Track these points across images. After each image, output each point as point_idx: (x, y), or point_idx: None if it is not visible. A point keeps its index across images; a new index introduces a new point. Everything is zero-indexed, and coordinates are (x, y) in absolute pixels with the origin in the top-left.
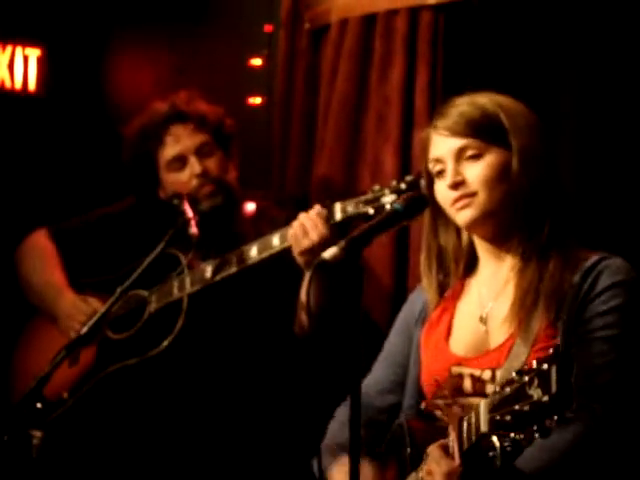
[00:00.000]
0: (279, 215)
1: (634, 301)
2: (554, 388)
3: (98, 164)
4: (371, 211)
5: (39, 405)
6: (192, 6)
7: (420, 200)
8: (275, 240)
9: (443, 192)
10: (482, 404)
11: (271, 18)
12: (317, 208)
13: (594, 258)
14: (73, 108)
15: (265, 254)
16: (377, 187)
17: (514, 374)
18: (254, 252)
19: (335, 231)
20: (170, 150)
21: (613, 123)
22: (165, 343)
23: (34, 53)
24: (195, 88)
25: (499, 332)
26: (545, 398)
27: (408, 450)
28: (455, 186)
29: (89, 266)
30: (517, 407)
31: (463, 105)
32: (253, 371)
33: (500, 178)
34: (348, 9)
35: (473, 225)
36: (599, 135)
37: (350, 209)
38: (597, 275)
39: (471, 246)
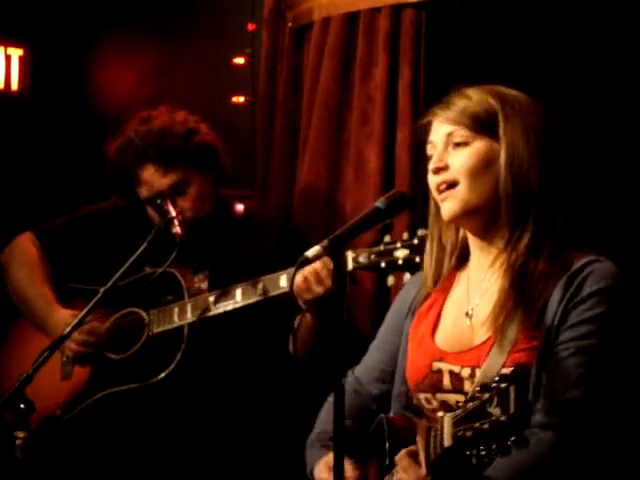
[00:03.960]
0: (270, 225)
1: (617, 308)
2: (512, 408)
3: (81, 164)
4: (383, 264)
5: (22, 406)
6: (175, 5)
7: (402, 199)
8: (283, 281)
9: (429, 177)
10: (446, 418)
11: (254, 17)
12: (325, 261)
13: (581, 261)
14: (56, 108)
15: (273, 294)
16: (387, 238)
17: (477, 388)
18: (259, 290)
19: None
20: (144, 192)
21: (597, 126)
22: (163, 374)
23: (17, 52)
24: (173, 101)
25: (481, 330)
26: (503, 418)
27: (387, 445)
28: (437, 171)
29: (76, 268)
30: (477, 425)
31: (471, 98)
32: (250, 397)
33: (483, 168)
34: (331, 7)
35: (456, 219)
36: (582, 136)
37: (362, 260)
38: (582, 280)
39: (466, 239)
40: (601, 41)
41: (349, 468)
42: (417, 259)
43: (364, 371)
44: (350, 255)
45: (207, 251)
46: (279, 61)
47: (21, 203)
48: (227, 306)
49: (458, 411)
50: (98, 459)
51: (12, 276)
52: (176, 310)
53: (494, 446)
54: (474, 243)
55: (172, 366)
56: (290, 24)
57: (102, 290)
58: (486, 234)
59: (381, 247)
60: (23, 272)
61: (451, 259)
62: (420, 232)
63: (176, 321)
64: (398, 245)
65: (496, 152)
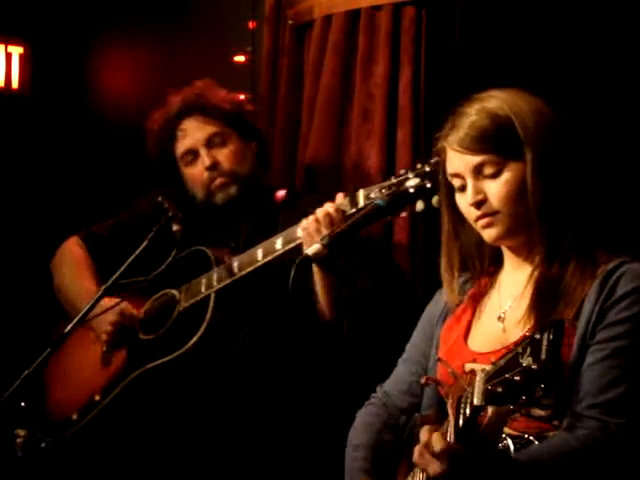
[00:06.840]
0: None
1: None
2: (544, 355)
3: (81, 162)
4: (396, 200)
5: (23, 404)
6: (175, 3)
7: (402, 196)
8: (299, 232)
9: (465, 207)
10: (478, 377)
11: (254, 15)
12: (339, 200)
13: (615, 262)
14: (57, 106)
15: (291, 246)
16: (402, 170)
17: (511, 346)
18: (279, 245)
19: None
20: (180, 145)
21: (604, 123)
22: (192, 342)
23: (17, 50)
24: (209, 78)
25: (516, 330)
26: (534, 366)
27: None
28: (477, 205)
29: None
30: (508, 376)
31: (473, 114)
32: (279, 366)
33: (521, 193)
34: (332, 5)
35: (499, 241)
36: (590, 134)
37: (374, 195)
38: (617, 280)
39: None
40: (603, 36)
41: None
42: (428, 185)
43: (392, 385)
44: (362, 192)
45: (243, 231)
46: (279, 59)
47: (20, 201)
48: (251, 266)
49: (491, 368)
50: (136, 441)
51: (57, 276)
52: (203, 281)
53: (524, 398)
54: (509, 256)
55: (199, 334)
56: (291, 22)
57: (103, 288)
58: (523, 249)
59: (393, 180)
60: (67, 269)
61: (483, 262)
62: (433, 160)
63: (202, 291)
64: (410, 174)
65: (526, 172)
